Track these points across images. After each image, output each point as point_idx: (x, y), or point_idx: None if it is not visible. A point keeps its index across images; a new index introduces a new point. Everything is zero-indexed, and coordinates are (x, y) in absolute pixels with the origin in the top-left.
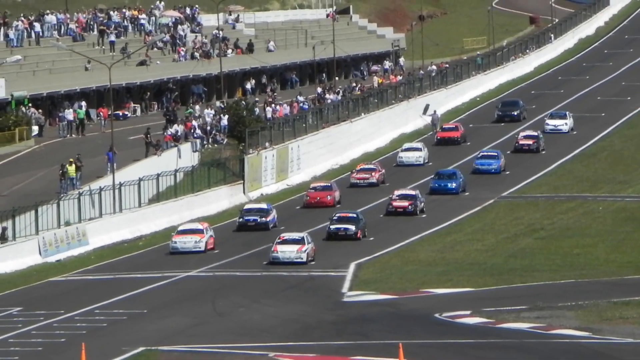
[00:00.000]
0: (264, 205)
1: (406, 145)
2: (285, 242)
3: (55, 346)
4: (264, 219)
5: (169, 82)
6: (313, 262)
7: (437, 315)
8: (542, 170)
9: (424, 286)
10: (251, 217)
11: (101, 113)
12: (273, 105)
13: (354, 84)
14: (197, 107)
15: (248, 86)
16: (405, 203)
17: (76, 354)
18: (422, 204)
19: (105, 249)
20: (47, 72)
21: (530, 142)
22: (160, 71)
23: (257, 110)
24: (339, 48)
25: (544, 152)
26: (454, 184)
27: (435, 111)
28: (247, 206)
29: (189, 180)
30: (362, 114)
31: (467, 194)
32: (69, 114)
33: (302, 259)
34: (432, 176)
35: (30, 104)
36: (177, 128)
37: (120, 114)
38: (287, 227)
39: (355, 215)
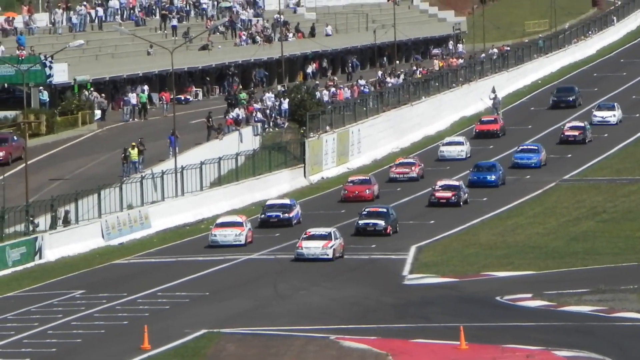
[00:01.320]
0: (287, 201)
1: (447, 139)
2: (312, 237)
3: (118, 328)
4: (286, 215)
5: (231, 67)
6: (341, 257)
7: (498, 298)
8: (604, 154)
9: (485, 269)
10: (273, 213)
11: (163, 97)
12: (334, 89)
13: (415, 68)
14: (253, 91)
15: (309, 70)
16: (448, 194)
17: (139, 337)
18: (466, 195)
19: (168, 232)
20: (109, 57)
21: (576, 133)
22: (222, 55)
23: (317, 94)
24: (400, 32)
25: (590, 143)
26: (494, 177)
27: (496, 94)
28: (269, 202)
29: (250, 164)
30: (423, 97)
31: (528, 177)
32: (132, 98)
33: (327, 255)
34: (471, 169)
35: (92, 89)
36: (239, 112)
37: (182, 98)
38: (347, 211)
39: (385, 209)
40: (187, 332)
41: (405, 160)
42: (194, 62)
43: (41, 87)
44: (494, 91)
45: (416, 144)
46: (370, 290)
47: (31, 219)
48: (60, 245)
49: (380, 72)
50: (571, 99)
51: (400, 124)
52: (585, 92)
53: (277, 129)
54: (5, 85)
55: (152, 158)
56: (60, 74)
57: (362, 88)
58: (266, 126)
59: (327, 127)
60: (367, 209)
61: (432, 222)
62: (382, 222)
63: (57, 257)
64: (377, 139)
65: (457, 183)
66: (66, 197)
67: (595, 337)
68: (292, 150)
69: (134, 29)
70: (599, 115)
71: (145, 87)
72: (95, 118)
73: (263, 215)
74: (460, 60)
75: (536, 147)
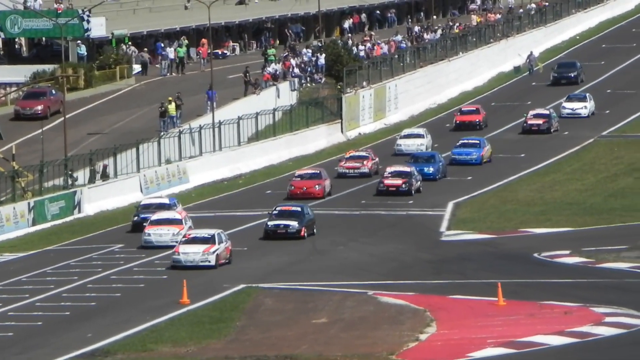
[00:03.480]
0: (165, 200)
1: (406, 131)
2: (191, 241)
3: (157, 283)
4: None
5: (267, 22)
6: (229, 264)
7: (535, 254)
8: None
9: (523, 226)
10: (149, 215)
11: (201, 52)
12: (370, 44)
13: (452, 23)
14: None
15: (346, 25)
16: (398, 181)
17: (178, 291)
18: (419, 182)
19: (205, 187)
20: (147, 11)
21: (540, 121)
22: (259, 10)
23: (354, 49)
24: None
25: (555, 133)
26: (431, 169)
27: (531, 52)
28: (144, 201)
29: (288, 119)
30: (460, 52)
31: (566, 133)
32: (170, 53)
33: (209, 262)
34: (408, 159)
35: (130, 43)
36: (276, 67)
37: (220, 52)
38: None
39: (299, 208)
40: (226, 287)
41: (357, 153)
42: (231, 16)
43: (79, 41)
44: (529, 57)
45: (454, 100)
46: (408, 247)
47: (70, 173)
48: (99, 199)
49: (417, 27)
50: (573, 75)
51: (437, 80)
52: (624, 47)
53: (314, 84)
54: (43, 39)
55: (189, 113)
56: (97, 27)
57: (398, 43)
58: (303, 81)
59: (364, 83)
60: (278, 208)
61: (469, 178)
62: (295, 224)
63: (96, 211)
64: (414, 94)
65: (408, 169)
66: (105, 151)
67: (633, 294)
68: (329, 105)
69: None
70: (569, 107)
71: (184, 41)
72: (133, 72)
73: (136, 218)
74: (498, 16)
75: (478, 142)
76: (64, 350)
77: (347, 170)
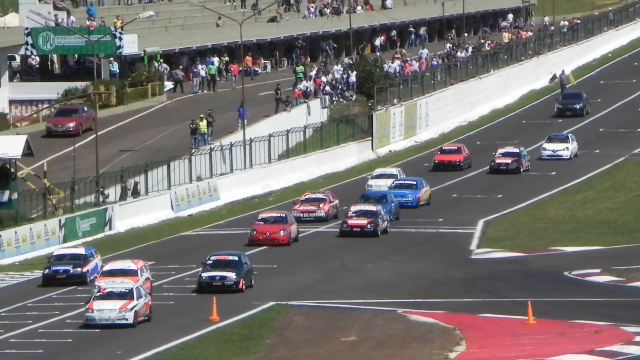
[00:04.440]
0: (81, 251)
1: (378, 170)
2: (107, 296)
3: (187, 300)
4: (78, 269)
5: (299, 39)
6: (148, 321)
7: (566, 273)
8: None
9: (553, 244)
10: (61, 267)
11: (232, 69)
12: (401, 61)
13: (483, 40)
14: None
15: (377, 42)
16: (363, 221)
17: (208, 308)
18: (386, 223)
19: (236, 204)
20: (179, 28)
21: (508, 160)
22: (291, 27)
23: (385, 66)
24: (469, 4)
25: (526, 173)
26: (383, 210)
27: (563, 70)
28: (57, 252)
29: (318, 137)
30: (492, 70)
31: (597, 151)
32: (201, 70)
33: (127, 320)
34: (358, 199)
35: (162, 60)
36: (307, 84)
37: (251, 70)
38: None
39: (237, 257)
40: (255, 304)
41: (314, 195)
42: (263, 34)
43: (111, 58)
44: (553, 78)
45: (484, 117)
46: (437, 265)
47: (101, 190)
48: (130, 216)
49: (448, 45)
50: (578, 107)
51: (468, 97)
52: None
53: (344, 101)
54: (76, 56)
55: (220, 130)
56: (130, 45)
57: (430, 61)
58: (334, 99)
59: (395, 100)
60: (212, 257)
61: (499, 196)
62: (232, 275)
63: (127, 228)
64: (445, 112)
65: (374, 208)
66: (136, 168)
67: None
68: (360, 123)
69: (203, 0)
70: (549, 148)
71: (215, 59)
72: (165, 89)
73: (47, 270)
74: (530, 33)
75: (414, 183)
76: None
77: (301, 215)
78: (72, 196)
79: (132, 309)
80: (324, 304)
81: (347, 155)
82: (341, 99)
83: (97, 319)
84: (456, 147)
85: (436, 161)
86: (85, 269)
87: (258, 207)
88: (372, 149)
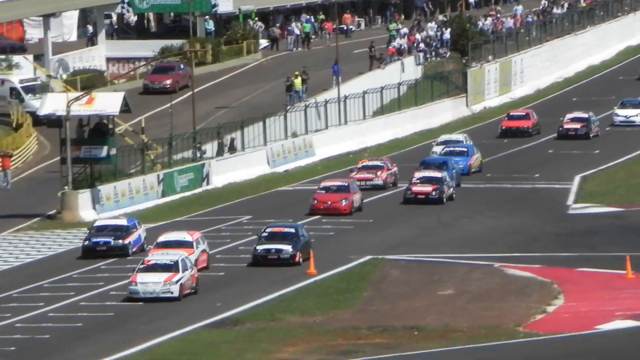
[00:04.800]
0: (123, 222)
1: (444, 137)
2: (151, 268)
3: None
4: (119, 241)
5: None
6: (195, 294)
7: None
8: None
9: None
10: (101, 239)
11: (326, 27)
12: (495, 18)
13: None
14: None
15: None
16: (427, 188)
17: (305, 262)
18: (452, 189)
19: (331, 160)
20: None
21: (577, 125)
22: None
23: (480, 23)
24: None
25: (596, 137)
26: (448, 176)
27: None
28: (98, 222)
29: (413, 94)
30: (587, 26)
31: None
32: (296, 28)
33: (172, 293)
34: (418, 166)
35: (257, 18)
36: (401, 42)
37: (345, 27)
38: (510, 142)
39: (293, 229)
40: (352, 258)
41: (371, 163)
42: None
43: (207, 17)
44: None
45: (580, 73)
46: (534, 220)
47: (198, 145)
48: (226, 171)
49: (544, 1)
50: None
51: (564, 54)
52: None
53: (439, 58)
54: (172, 14)
55: (315, 87)
56: (225, 3)
57: (525, 18)
58: (428, 56)
59: (490, 57)
60: (268, 229)
61: (596, 152)
62: (288, 248)
63: (224, 183)
64: (540, 68)
65: (439, 175)
66: (232, 124)
67: None
68: (454, 79)
69: None
70: (622, 114)
71: (309, 17)
72: (260, 47)
73: (87, 242)
74: None
75: (465, 149)
76: (194, 320)
77: (357, 183)
78: (170, 152)
79: (177, 281)
80: (420, 258)
81: (441, 112)
82: (435, 57)
83: (140, 292)
84: (524, 113)
85: (503, 127)
86: (127, 241)
87: (353, 163)
88: (467, 105)
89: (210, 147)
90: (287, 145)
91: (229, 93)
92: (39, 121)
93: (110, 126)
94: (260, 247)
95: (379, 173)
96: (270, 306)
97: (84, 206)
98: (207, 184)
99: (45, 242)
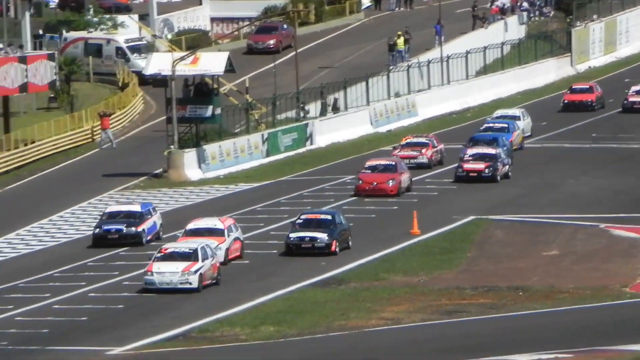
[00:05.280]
0: (136, 208)
1: (500, 112)
2: (168, 257)
3: (388, 214)
4: (132, 228)
5: None
6: (216, 284)
7: None
8: None
9: None
10: (113, 227)
11: None
12: None
13: None
14: None
15: None
16: (480, 165)
17: (408, 222)
18: (507, 166)
19: (434, 120)
20: None
21: None
22: None
23: None
24: None
25: None
26: (503, 153)
27: None
28: (110, 208)
29: (516, 53)
30: None
31: None
32: None
33: (190, 284)
34: (466, 143)
35: None
36: (504, 1)
37: None
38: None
39: (330, 216)
40: (456, 218)
41: (415, 140)
42: None
43: None
44: None
45: None
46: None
47: (302, 105)
48: (329, 131)
49: None
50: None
51: None
52: None
53: (542, 17)
54: None
55: (417, 47)
56: None
57: None
58: (532, 15)
59: (594, 16)
60: (303, 215)
61: None
62: (323, 236)
63: (327, 143)
64: None
65: (493, 151)
66: (335, 84)
67: None
68: (558, 39)
69: None
70: None
71: None
72: (362, 7)
73: (98, 230)
74: None
75: (506, 125)
76: (299, 279)
77: (400, 159)
78: (274, 111)
79: (196, 271)
80: (524, 219)
81: (545, 72)
82: (539, 16)
83: (157, 283)
84: (588, 86)
85: (565, 101)
86: (140, 229)
87: (456, 123)
88: (571, 65)
89: (313, 107)
90: (390, 105)
91: (331, 53)
92: (144, 81)
93: (215, 86)
94: (293, 235)
95: (423, 150)
96: (374, 266)
97: (189, 165)
98: (311, 143)
99: (152, 201)
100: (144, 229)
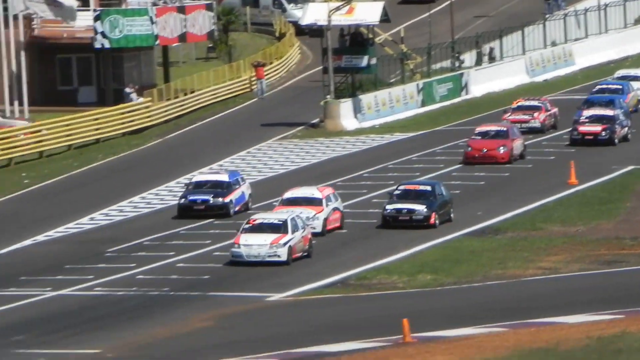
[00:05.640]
0: (224, 177)
1: (621, 72)
2: (257, 229)
3: (545, 164)
4: (219, 199)
5: None
6: (308, 257)
7: None
8: None
9: None
10: (199, 197)
11: None
12: None
13: None
14: None
15: None
16: (597, 127)
17: (566, 172)
18: (626, 129)
19: (591, 69)
20: None
21: None
22: None
23: None
24: None
25: None
26: (622, 114)
27: None
28: (197, 178)
29: None
30: None
31: None
32: None
33: (279, 257)
34: (581, 105)
35: None
36: None
37: None
38: None
39: (429, 187)
40: (615, 168)
41: (527, 103)
42: None
43: None
44: None
45: None
46: None
47: (457, 55)
48: (485, 81)
49: None
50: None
51: None
52: None
53: None
54: None
55: None
56: None
57: None
58: None
59: None
60: (401, 186)
61: None
62: (422, 208)
63: (483, 92)
64: None
65: (611, 113)
66: (490, 34)
67: None
68: None
69: None
70: None
71: None
72: None
73: (183, 200)
74: None
75: (620, 87)
76: (456, 228)
77: (512, 125)
78: (429, 61)
79: (285, 244)
80: None
81: None
82: None
83: (244, 255)
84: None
85: None
86: (227, 199)
87: (614, 72)
88: None
89: (468, 57)
90: (546, 54)
91: (487, 2)
92: (301, 31)
93: (370, 36)
94: (390, 207)
95: (535, 114)
96: (531, 215)
97: (345, 115)
98: (466, 93)
99: (310, 150)
100: (231, 200)
